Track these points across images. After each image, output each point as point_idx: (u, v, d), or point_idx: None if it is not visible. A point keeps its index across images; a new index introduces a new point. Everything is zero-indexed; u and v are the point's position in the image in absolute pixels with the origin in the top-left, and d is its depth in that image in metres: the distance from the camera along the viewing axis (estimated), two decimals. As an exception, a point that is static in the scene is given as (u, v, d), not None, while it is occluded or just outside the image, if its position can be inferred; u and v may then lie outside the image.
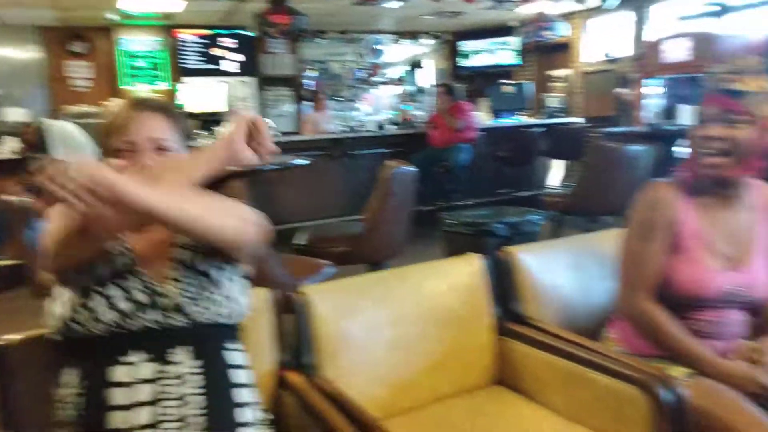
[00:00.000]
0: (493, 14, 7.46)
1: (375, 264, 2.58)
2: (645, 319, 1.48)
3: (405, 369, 1.60)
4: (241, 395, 1.10)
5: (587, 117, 7.05)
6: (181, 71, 7.51)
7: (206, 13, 6.88)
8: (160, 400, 1.01)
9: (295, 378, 1.41)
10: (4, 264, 2.99)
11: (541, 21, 6.88)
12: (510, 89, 7.28)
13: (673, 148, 4.15)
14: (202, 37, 7.61)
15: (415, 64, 9.11)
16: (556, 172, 6.50)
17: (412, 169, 2.69)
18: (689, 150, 1.48)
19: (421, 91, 9.01)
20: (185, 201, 0.98)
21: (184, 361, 1.04)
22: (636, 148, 3.39)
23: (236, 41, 7.75)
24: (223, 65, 7.72)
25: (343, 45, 8.59)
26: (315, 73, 8.32)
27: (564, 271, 1.83)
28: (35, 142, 3.48)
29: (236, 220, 1.07)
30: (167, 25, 7.34)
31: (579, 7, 7.22)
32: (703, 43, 5.52)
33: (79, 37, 7.13)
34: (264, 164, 1.17)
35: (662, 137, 4.40)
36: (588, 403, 1.47)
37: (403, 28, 8.63)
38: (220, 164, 1.10)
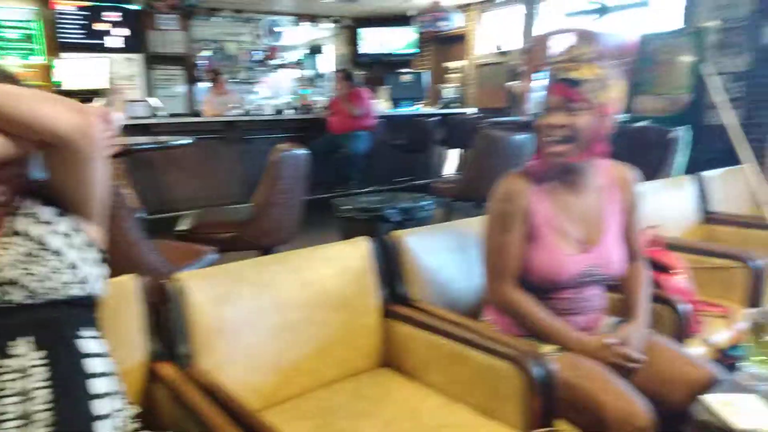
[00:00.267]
0: (391, 2, 7.51)
1: (264, 250, 2.51)
2: (511, 306, 1.55)
3: (289, 356, 1.56)
4: (98, 386, 1.01)
5: (481, 108, 7.30)
6: (59, 46, 6.91)
7: (87, -17, 6.38)
8: None
9: (167, 370, 1.33)
10: None
11: (437, 11, 7.01)
12: (408, 78, 7.38)
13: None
14: (83, 9, 7.04)
15: (315, 49, 8.98)
16: (451, 161, 6.69)
17: (303, 152, 2.64)
18: (537, 140, 1.52)
19: (320, 76, 8.91)
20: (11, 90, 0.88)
21: (26, 353, 0.94)
22: (520, 137, 3.55)
23: (121, 15, 7.25)
24: (107, 41, 7.20)
25: (239, 25, 8.29)
26: (209, 53, 7.97)
27: (447, 254, 1.87)
28: None
29: (70, 110, 0.93)
30: (43, -5, 6.73)
31: (473, -1, 7.44)
32: (585, 39, 5.87)
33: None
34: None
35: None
36: (467, 381, 1.51)
37: (302, 10, 8.47)
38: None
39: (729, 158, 3.52)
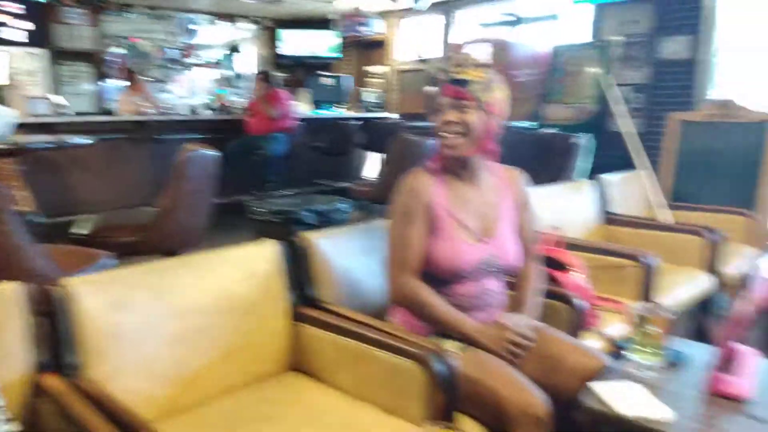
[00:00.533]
0: (312, 5, 7.47)
1: (168, 255, 2.41)
2: (411, 297, 1.59)
3: (191, 363, 1.51)
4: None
5: (402, 113, 7.39)
6: (-50, 37, 6.39)
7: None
8: None
9: (52, 381, 1.25)
10: None
11: (357, 16, 7.04)
12: (329, 81, 7.35)
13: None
14: (-23, -1, 6.54)
15: (234, 49, 8.78)
16: (372, 164, 6.72)
17: (211, 153, 2.56)
18: (436, 139, 1.63)
19: (239, 76, 8.72)
20: None
21: None
22: (432, 141, 3.61)
23: (23, 6, 6.79)
24: (7, 33, 6.73)
25: (153, 22, 7.97)
26: (121, 50, 7.62)
27: (359, 256, 1.88)
28: None
29: None
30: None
31: (393, 6, 7.53)
32: (500, 49, 6.09)
33: None
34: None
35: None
36: (373, 381, 1.52)
37: (220, 9, 8.26)
38: None
39: (629, 164, 3.75)
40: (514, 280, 1.73)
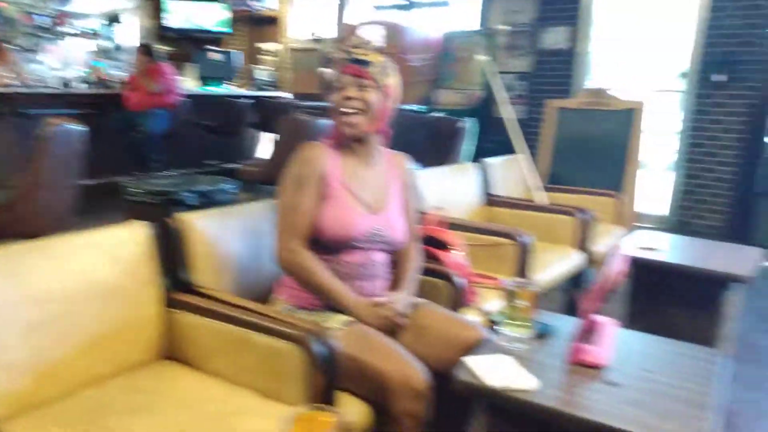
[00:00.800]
0: (200, -25, 7.08)
1: (28, 239, 2.19)
2: (298, 264, 1.60)
3: (50, 353, 1.39)
4: None
5: (295, 93, 7.25)
6: None
7: None
8: None
9: None
10: None
11: (249, -10, 6.79)
12: (218, 57, 7.05)
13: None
14: None
15: (114, 19, 8.14)
16: (265, 145, 6.55)
17: (78, 128, 2.36)
18: (333, 115, 1.67)
19: (119, 48, 8.12)
20: None
21: None
22: (325, 121, 3.60)
23: None
24: None
25: (18, -16, 7.20)
26: (-21, 14, 6.82)
27: (240, 238, 1.81)
28: None
29: None
30: None
31: (287, -18, 7.33)
32: (394, 32, 6.13)
33: None
34: None
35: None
36: (252, 365, 1.48)
37: (98, -25, 7.63)
38: None
39: (512, 148, 3.92)
40: (396, 258, 1.77)
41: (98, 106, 5.06)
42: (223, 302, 1.58)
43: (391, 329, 1.57)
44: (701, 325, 2.18)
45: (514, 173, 3.56)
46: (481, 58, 5.33)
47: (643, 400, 1.24)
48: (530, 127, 5.63)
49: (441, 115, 4.58)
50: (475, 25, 6.22)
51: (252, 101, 6.01)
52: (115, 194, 3.21)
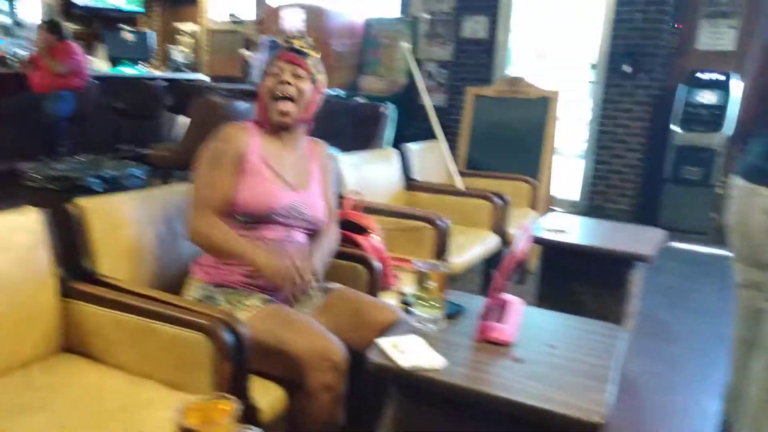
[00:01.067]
0: (109, -51, 6.69)
1: None
2: (207, 232, 1.57)
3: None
4: None
5: (213, 75, 7.01)
6: None
7: None
8: None
9: None
10: None
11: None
12: (131, 37, 6.70)
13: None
14: None
15: (14, -7, 7.56)
16: (183, 128, 6.31)
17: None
18: (262, 99, 1.66)
19: (20, 25, 7.56)
20: None
21: None
22: (243, 104, 3.50)
23: None
24: None
25: None
26: None
27: (150, 225, 1.73)
28: None
29: None
30: None
31: (204, -40, 7.06)
32: (315, 15, 6.04)
33: None
34: None
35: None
36: (157, 356, 1.42)
37: (-7, -56, 7.04)
38: None
39: (433, 134, 3.97)
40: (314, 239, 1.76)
41: (-5, 86, 4.69)
42: (126, 292, 1.50)
43: (301, 291, 1.55)
44: (607, 303, 2.29)
45: (434, 159, 3.61)
46: (403, 45, 5.34)
47: (546, 375, 1.29)
48: (452, 114, 5.72)
49: (364, 100, 4.56)
50: (396, 12, 6.23)
51: (167, 83, 5.76)
52: (16, 181, 2.99)
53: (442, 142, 3.67)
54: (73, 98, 4.76)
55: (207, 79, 6.73)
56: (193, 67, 7.22)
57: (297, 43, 1.65)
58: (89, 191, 2.49)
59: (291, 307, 1.59)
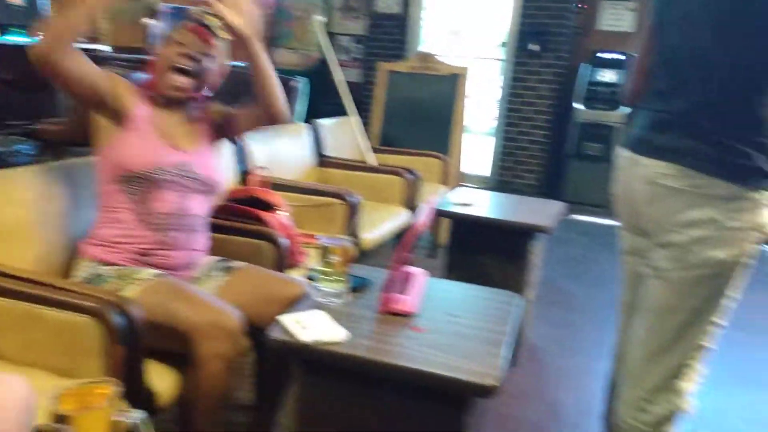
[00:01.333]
0: None
1: None
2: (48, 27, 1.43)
3: None
4: None
5: (116, 46, 6.59)
6: None
7: None
8: None
9: None
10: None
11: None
12: (19, 2, 6.15)
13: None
14: None
15: None
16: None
17: None
18: (158, 66, 1.60)
19: None
20: None
21: None
22: (141, 75, 3.30)
23: None
24: None
25: None
26: None
27: (33, 203, 1.61)
28: None
29: None
30: None
31: None
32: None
33: None
34: None
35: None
36: (44, 343, 1.33)
37: None
38: None
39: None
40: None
41: None
42: (7, 276, 1.40)
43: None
44: (510, 273, 2.38)
45: (347, 135, 3.59)
46: (316, 18, 5.24)
47: (447, 343, 1.32)
48: (367, 90, 5.70)
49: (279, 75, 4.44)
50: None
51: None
52: None
53: (352, 118, 3.65)
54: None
55: (108, 49, 6.31)
56: (93, 37, 6.74)
57: (209, 19, 1.55)
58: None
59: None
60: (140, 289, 1.43)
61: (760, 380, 2.53)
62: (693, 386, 1.36)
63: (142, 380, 1.31)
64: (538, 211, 2.55)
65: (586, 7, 5.33)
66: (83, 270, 1.53)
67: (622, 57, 5.04)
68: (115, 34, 7.09)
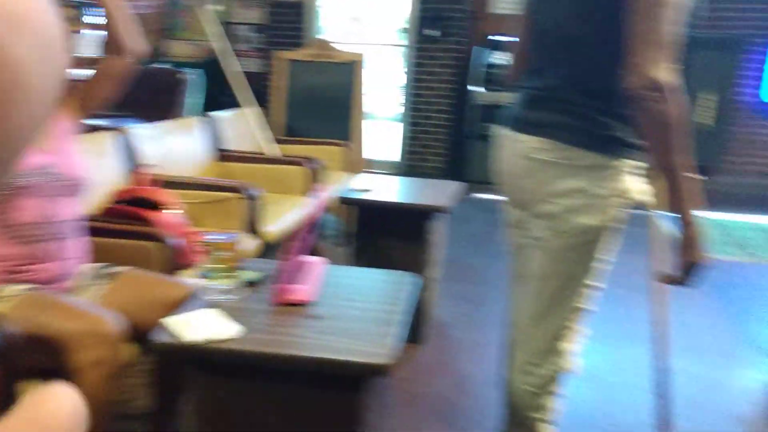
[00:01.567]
0: None
1: None
2: None
3: None
4: None
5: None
6: None
7: None
8: None
9: None
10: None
11: None
12: None
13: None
14: None
15: None
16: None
17: None
18: None
19: None
20: None
21: None
22: None
23: None
24: None
25: None
26: None
27: None
28: None
29: None
30: None
31: None
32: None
33: None
34: None
35: None
36: None
37: None
38: None
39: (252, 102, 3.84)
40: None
41: None
42: None
43: None
44: (413, 254, 2.43)
45: (246, 127, 3.51)
46: (206, 8, 5.06)
47: (343, 327, 1.34)
48: (268, 80, 5.59)
49: (165, 66, 4.27)
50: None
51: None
52: None
53: (248, 109, 3.57)
54: None
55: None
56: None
57: None
58: None
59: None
60: (9, 305, 1.34)
61: (638, 335, 2.74)
62: (575, 347, 1.45)
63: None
64: (437, 193, 2.62)
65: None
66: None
67: (515, 39, 5.23)
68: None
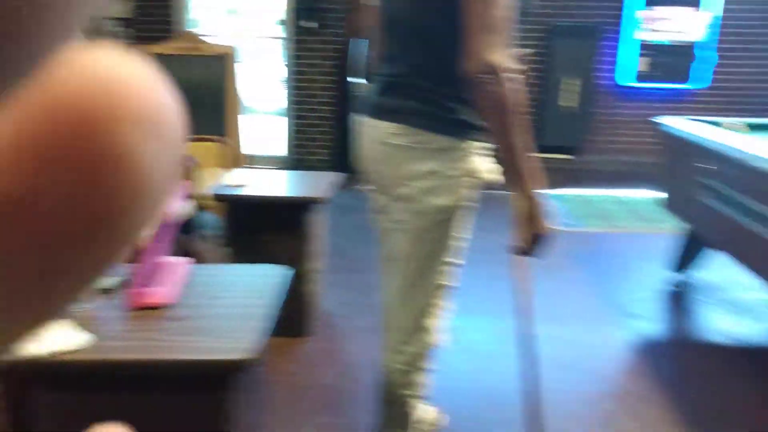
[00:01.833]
0: None
1: None
2: None
3: None
4: None
5: None
6: None
7: None
8: None
9: None
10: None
11: None
12: None
13: None
14: None
15: None
16: None
17: None
18: None
19: None
20: None
21: None
22: None
23: None
24: None
25: None
26: None
27: None
28: None
29: None
30: None
31: None
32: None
33: None
34: None
35: None
36: None
37: None
38: None
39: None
40: None
41: None
42: None
43: None
44: (292, 247, 2.42)
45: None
46: None
47: (204, 327, 1.30)
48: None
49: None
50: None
51: None
52: None
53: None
54: None
55: None
56: None
57: None
58: None
59: None
60: None
61: (509, 307, 2.91)
62: (441, 322, 1.51)
63: None
64: (314, 185, 2.61)
65: (353, -18, 5.52)
66: None
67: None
68: None
